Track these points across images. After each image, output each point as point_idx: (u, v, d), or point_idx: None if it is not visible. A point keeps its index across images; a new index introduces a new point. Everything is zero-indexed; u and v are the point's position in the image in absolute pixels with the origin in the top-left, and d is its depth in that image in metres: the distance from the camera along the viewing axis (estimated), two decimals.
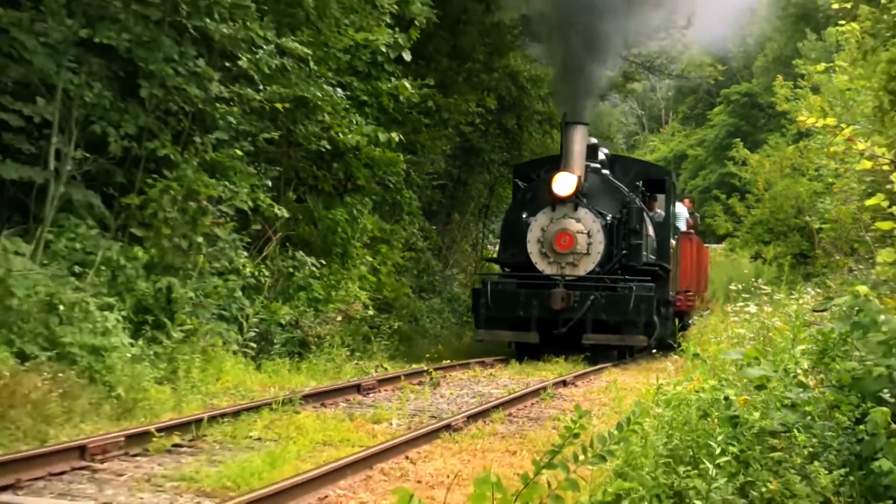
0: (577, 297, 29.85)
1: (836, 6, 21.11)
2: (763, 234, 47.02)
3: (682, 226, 41.81)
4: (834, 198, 34.81)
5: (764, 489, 10.93)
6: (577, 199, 30.38)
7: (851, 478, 10.68)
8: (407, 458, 18.88)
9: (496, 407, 24.62)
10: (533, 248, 30.42)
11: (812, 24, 54.64)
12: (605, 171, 33.85)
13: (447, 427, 21.61)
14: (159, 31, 30.77)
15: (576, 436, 12.38)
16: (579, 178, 30.33)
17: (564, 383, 28.92)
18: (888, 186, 13.05)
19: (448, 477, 16.32)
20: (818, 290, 21.30)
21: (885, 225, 12.83)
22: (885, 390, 10.99)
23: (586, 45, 30.61)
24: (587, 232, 29.94)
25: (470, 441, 20.94)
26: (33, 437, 19.10)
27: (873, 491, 10.43)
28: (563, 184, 29.57)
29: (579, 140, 30.64)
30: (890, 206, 12.88)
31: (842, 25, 22.35)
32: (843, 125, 18.61)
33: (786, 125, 46.86)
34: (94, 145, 30.21)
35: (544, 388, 27.95)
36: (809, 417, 11.54)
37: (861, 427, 11.06)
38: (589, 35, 30.35)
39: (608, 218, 31.01)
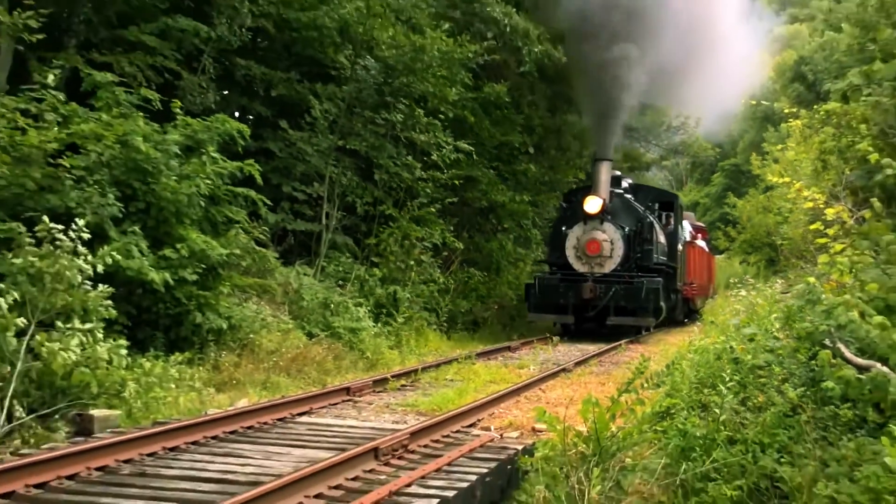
0: (602, 289, 29.23)
1: (787, 111, 21.15)
2: (747, 248, 47.02)
3: (687, 236, 40.39)
4: (790, 225, 34.42)
5: (755, 401, 10.91)
6: (603, 216, 29.86)
7: (808, 392, 10.65)
8: (540, 388, 18.93)
9: (592, 357, 24.68)
10: (570, 252, 30.07)
11: (772, 122, 54.62)
12: (628, 196, 32.87)
13: (563, 370, 21.67)
14: (384, 140, 30.92)
15: (641, 372, 12.35)
16: (604, 200, 29.65)
17: (631, 343, 28.70)
18: (822, 217, 13.02)
19: (565, 399, 16.28)
20: (782, 281, 21.14)
21: (821, 240, 12.85)
22: (826, 339, 10.98)
23: (611, 104, 30.44)
24: (610, 240, 29.62)
25: (577, 377, 21.01)
26: (318, 383, 19.25)
27: (823, 401, 10.40)
28: (592, 205, 29.30)
29: (605, 171, 30.04)
30: (825, 229, 12.86)
31: (790, 122, 22.35)
32: (793, 181, 18.50)
33: (759, 183, 46.70)
34: (348, 208, 30.49)
35: (619, 345, 27.78)
36: (781, 357, 11.51)
37: (813, 362, 11.03)
38: (613, 97, 30.19)
39: (626, 230, 30.20)
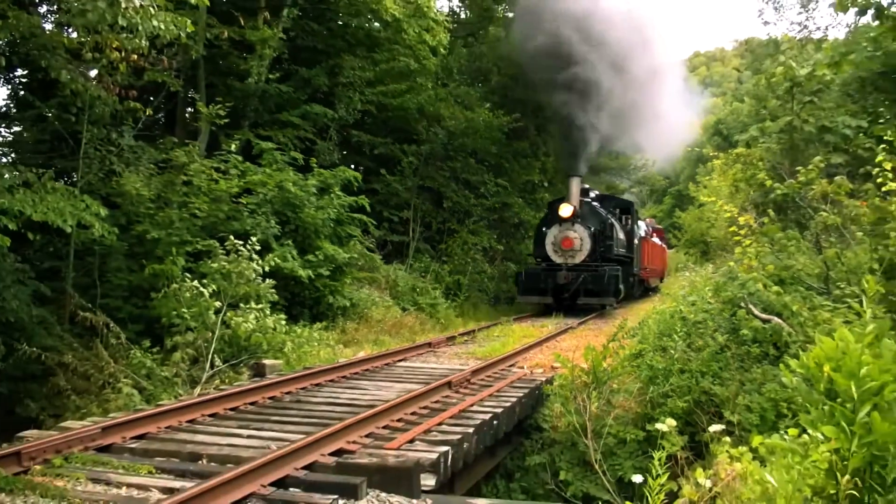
0: (574, 275, 26.66)
1: (711, 154, 21.15)
2: (688, 245, 46.28)
3: (642, 233, 37.06)
4: (715, 228, 34.16)
5: (697, 344, 10.93)
6: (574, 219, 27.35)
7: (731, 337, 10.68)
8: (555, 340, 18.80)
9: (588, 319, 24.49)
10: (549, 248, 27.60)
11: (702, 161, 54.51)
12: (595, 203, 30.61)
13: (570, 328, 21.53)
14: (449, 180, 30.91)
15: (622, 328, 12.33)
16: (575, 207, 27.36)
17: (605, 312, 28.38)
18: (736, 223, 13.01)
19: (573, 347, 16.25)
20: (712, 266, 21.02)
21: (737, 238, 12.86)
22: (741, 303, 11.01)
23: (578, 133, 28.49)
24: (580, 238, 27.26)
25: (579, 332, 20.86)
26: (410, 340, 19.22)
27: (740, 343, 10.44)
28: (565, 210, 27.18)
29: (575, 185, 28.02)
30: (738, 230, 12.86)
31: (713, 161, 22.29)
32: (717, 200, 18.40)
33: (695, 202, 46.28)
34: (426, 226, 30.47)
35: (604, 311, 27.45)
36: (713, 315, 11.50)
37: (734, 318, 11.06)
38: (578, 127, 28.24)
39: (592, 229, 27.70)
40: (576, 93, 27.64)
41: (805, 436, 4.58)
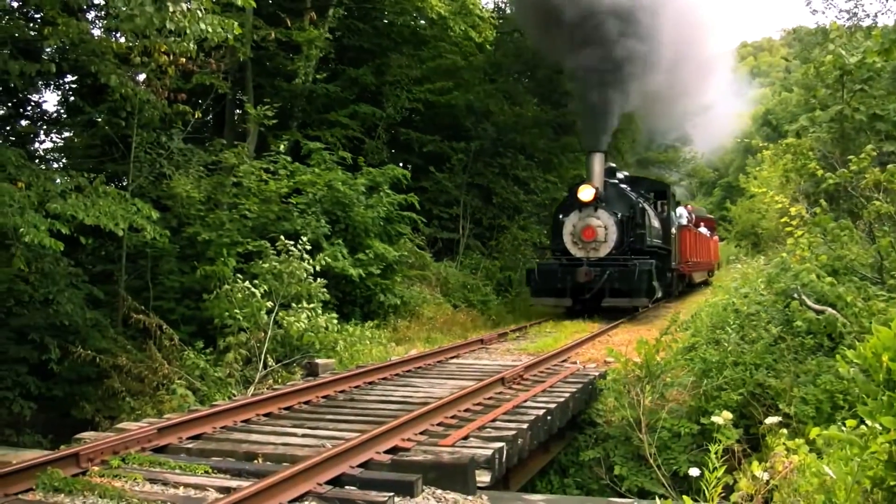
0: (597, 272, 22.03)
1: (760, 145, 20.96)
2: (739, 237, 45.59)
3: (684, 221, 31.91)
4: (766, 220, 33.77)
5: (750, 336, 10.86)
6: (597, 203, 22.81)
7: (785, 329, 10.63)
8: (607, 335, 18.74)
9: (638, 315, 24.18)
10: (567, 239, 22.98)
11: (751, 152, 53.87)
12: (624, 186, 25.87)
13: (620, 323, 21.41)
14: (499, 176, 30.87)
15: (674, 321, 12.29)
16: (597, 189, 22.77)
17: (667, 302, 27.94)
18: (788, 214, 12.94)
19: (625, 341, 16.18)
20: (764, 258, 20.82)
21: (788, 229, 12.82)
22: (795, 294, 10.92)
23: (602, 101, 23.48)
24: (604, 226, 22.69)
25: (631, 327, 20.75)
26: (462, 337, 19.19)
27: (794, 334, 10.38)
28: (586, 193, 22.60)
29: (597, 162, 23.40)
30: (790, 221, 12.81)
31: (763, 152, 22.01)
32: (767, 191, 18.26)
33: (745, 193, 45.59)
34: (476, 222, 30.43)
35: (657, 305, 26.27)
36: (766, 307, 11.45)
37: (787, 309, 11.01)
38: (603, 95, 23.32)
39: (619, 216, 23.14)
40: (606, 63, 23.49)
41: (863, 427, 4.52)
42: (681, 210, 32.37)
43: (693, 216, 36.61)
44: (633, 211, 23.76)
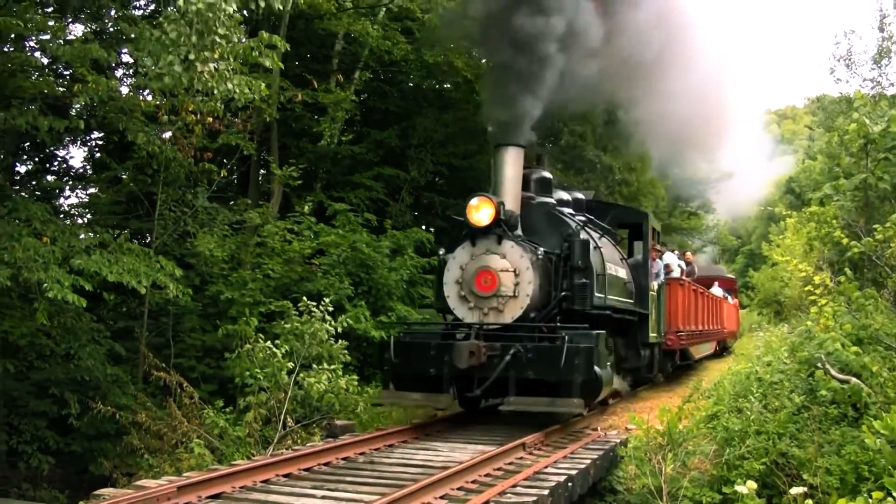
0: (495, 349, 12.29)
1: (784, 213, 20.99)
2: (762, 304, 45.28)
3: (677, 273, 20.99)
4: (790, 288, 33.56)
5: (773, 405, 10.83)
6: (502, 230, 13.13)
7: (808, 398, 10.63)
8: (628, 402, 18.62)
9: (654, 386, 23.75)
10: (451, 291, 13.35)
11: (774, 220, 53.57)
12: (563, 209, 15.30)
13: (638, 392, 21.17)
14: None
15: (697, 389, 12.24)
16: (501, 205, 13.09)
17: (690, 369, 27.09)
18: (811, 282, 12.98)
19: (647, 408, 16.06)
20: (787, 326, 20.67)
21: (812, 297, 12.87)
22: (819, 363, 10.91)
23: (527, 74, 13.87)
24: (514, 270, 12.96)
25: (654, 394, 20.53)
26: None
27: (818, 403, 10.37)
28: (481, 212, 13.06)
29: (511, 163, 13.70)
30: (814, 290, 12.84)
31: (786, 220, 21.94)
32: (791, 259, 18.29)
33: (767, 261, 45.38)
34: None
35: (686, 371, 26.00)
36: (789, 375, 11.43)
37: (810, 378, 11.01)
38: (529, 68, 13.87)
39: (540, 253, 13.33)
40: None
41: (890, 499, 4.51)
42: (671, 257, 21.99)
43: (695, 269, 27.63)
44: (566, 246, 13.84)
